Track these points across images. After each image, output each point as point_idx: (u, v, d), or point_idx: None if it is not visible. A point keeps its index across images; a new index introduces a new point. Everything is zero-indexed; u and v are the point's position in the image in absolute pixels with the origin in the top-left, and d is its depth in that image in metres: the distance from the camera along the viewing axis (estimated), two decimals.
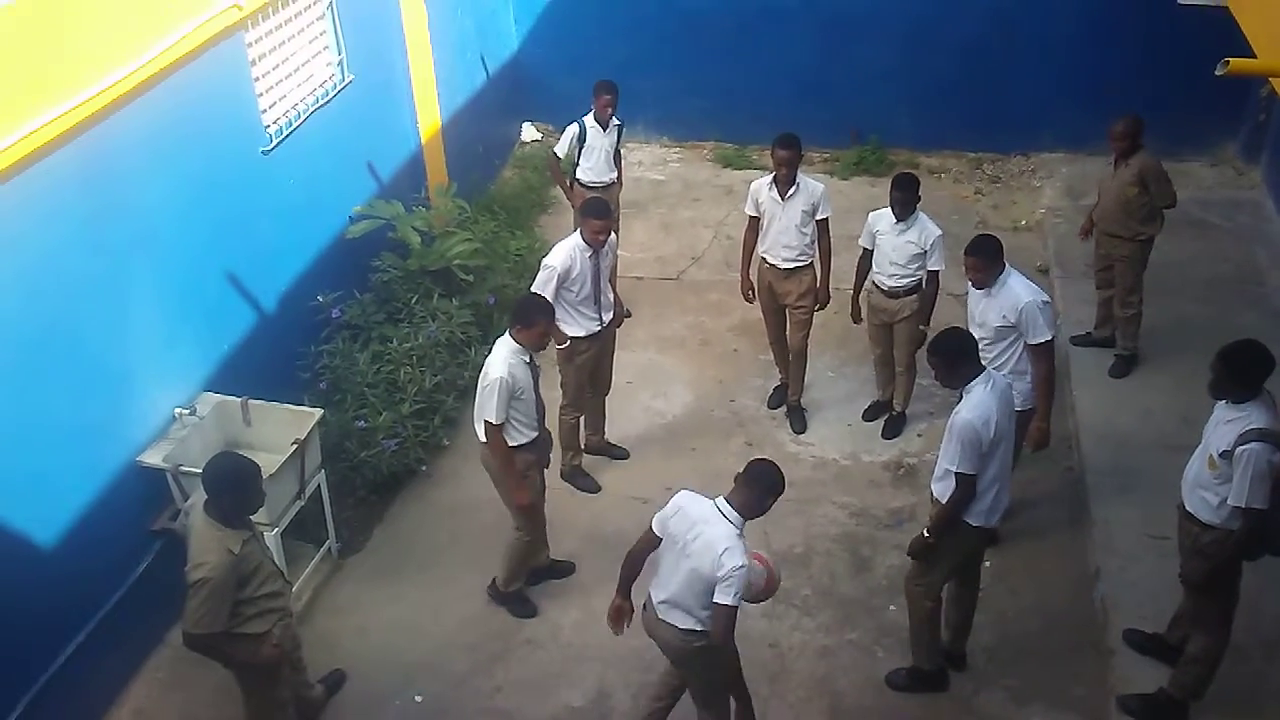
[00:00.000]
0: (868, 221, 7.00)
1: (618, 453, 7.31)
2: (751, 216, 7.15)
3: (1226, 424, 4.80)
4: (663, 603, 4.75)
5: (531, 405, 5.75)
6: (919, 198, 6.76)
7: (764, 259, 7.16)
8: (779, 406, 7.67)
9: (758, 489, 4.59)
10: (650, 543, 4.80)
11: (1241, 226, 9.27)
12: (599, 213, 6.37)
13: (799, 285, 7.10)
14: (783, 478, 4.68)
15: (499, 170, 10.61)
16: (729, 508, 4.57)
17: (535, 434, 5.84)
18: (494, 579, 6.25)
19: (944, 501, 5.16)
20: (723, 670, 4.96)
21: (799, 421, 7.55)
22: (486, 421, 5.60)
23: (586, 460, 7.17)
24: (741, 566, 4.44)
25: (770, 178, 6.96)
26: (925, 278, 6.87)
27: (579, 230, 6.44)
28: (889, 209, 6.79)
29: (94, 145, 5.14)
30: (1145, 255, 7.37)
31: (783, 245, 7.00)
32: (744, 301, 7.47)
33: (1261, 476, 4.63)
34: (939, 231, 6.78)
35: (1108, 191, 7.32)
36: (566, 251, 6.38)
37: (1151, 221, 7.27)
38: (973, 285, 5.98)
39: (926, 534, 5.26)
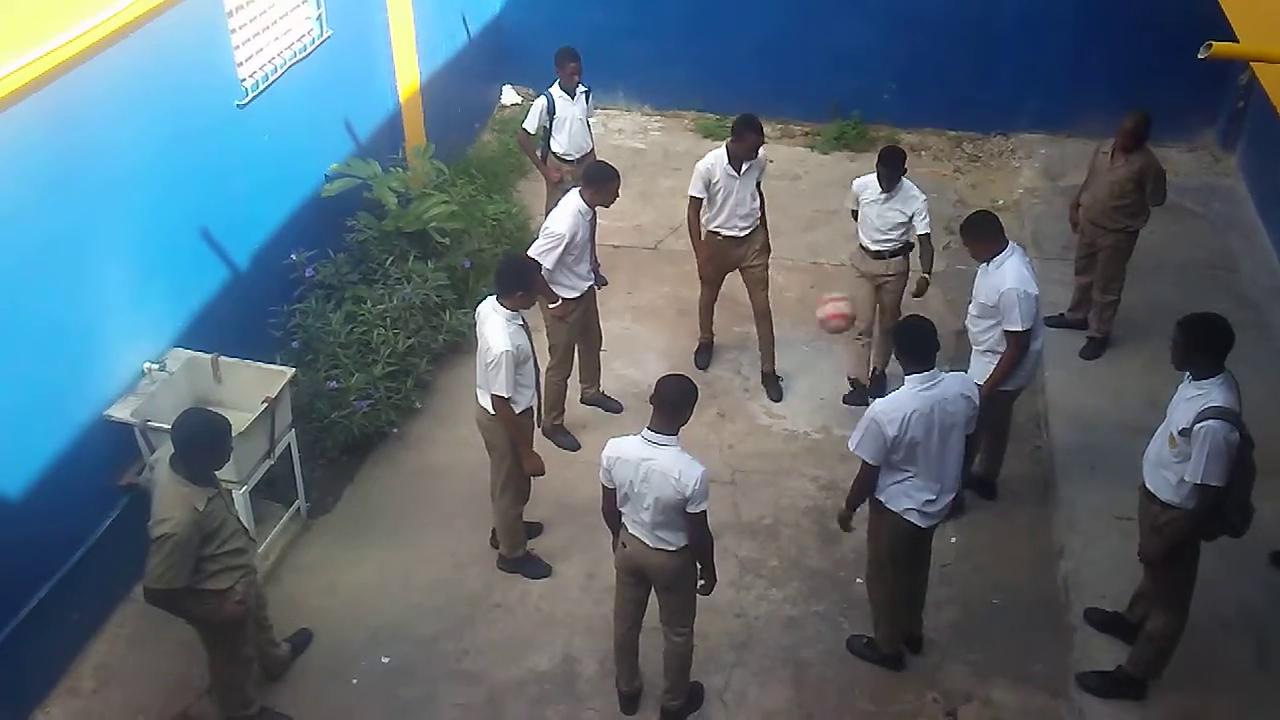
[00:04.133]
0: (854, 186, 7.09)
1: (612, 405, 7.40)
2: (696, 198, 7.15)
3: (1187, 401, 4.86)
4: (650, 534, 4.90)
5: (531, 369, 5.78)
6: (905, 170, 6.83)
7: (718, 233, 7.22)
8: (706, 367, 7.76)
9: (672, 406, 4.76)
10: (610, 496, 4.98)
11: (1216, 213, 9.33)
12: (610, 175, 6.51)
13: (753, 245, 7.27)
14: (689, 385, 4.84)
15: (478, 133, 10.52)
16: (656, 434, 4.74)
17: (533, 397, 5.89)
18: (499, 552, 6.29)
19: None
20: (694, 586, 5.15)
21: (774, 390, 7.59)
22: (496, 395, 5.59)
23: (571, 416, 7.26)
24: (699, 478, 4.68)
25: (722, 156, 6.99)
26: (918, 241, 6.93)
27: (578, 192, 6.51)
28: (875, 179, 6.86)
29: (63, 95, 5.02)
30: (1131, 246, 7.41)
31: (739, 216, 7.13)
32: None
33: (1218, 454, 4.68)
34: (923, 197, 6.88)
35: (1101, 184, 7.29)
36: (572, 217, 6.44)
37: (1139, 215, 7.30)
38: (973, 256, 6.10)
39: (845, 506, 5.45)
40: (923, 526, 5.24)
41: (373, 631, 5.92)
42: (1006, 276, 5.84)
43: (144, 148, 5.68)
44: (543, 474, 5.96)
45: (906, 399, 4.97)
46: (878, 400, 5.09)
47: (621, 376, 7.68)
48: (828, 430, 7.30)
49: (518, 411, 5.73)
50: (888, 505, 5.21)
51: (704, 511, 4.78)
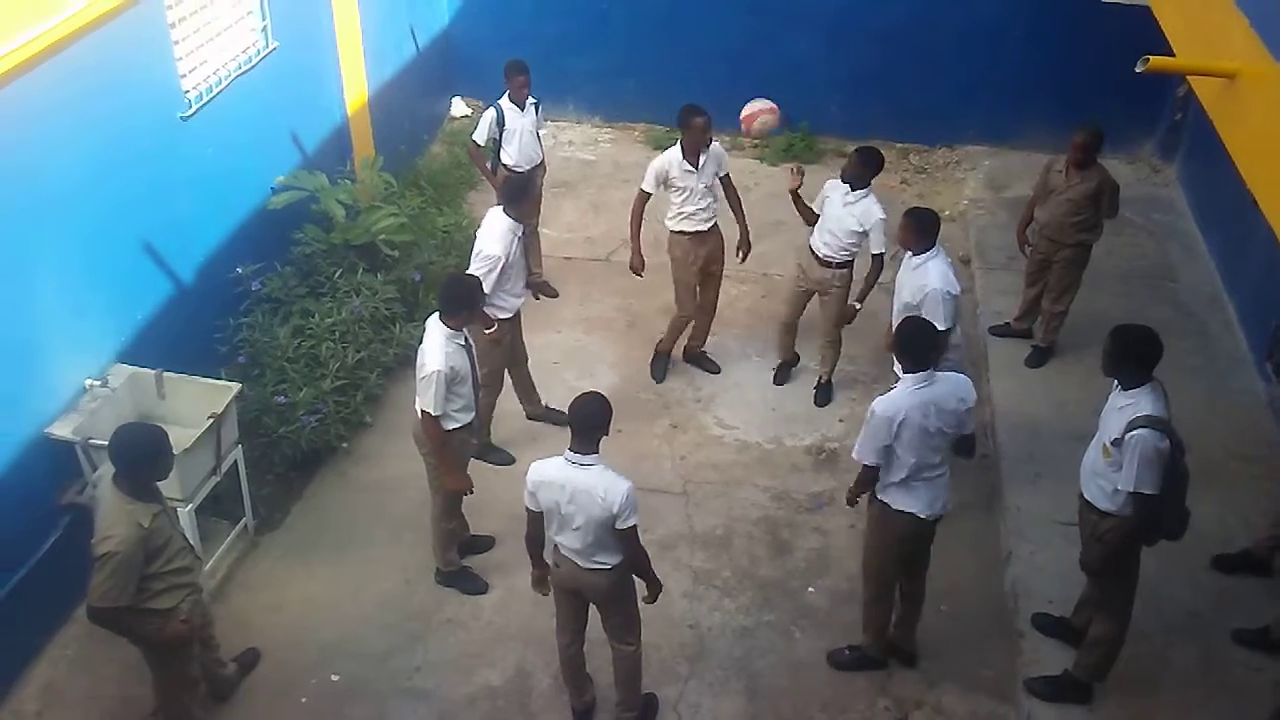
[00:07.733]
0: (825, 186, 7.08)
1: (560, 418, 7.28)
2: (645, 192, 7.27)
3: (1118, 411, 4.96)
4: (583, 553, 4.87)
5: (469, 388, 5.73)
6: (876, 173, 6.83)
7: (683, 232, 7.30)
8: (663, 380, 7.82)
9: (583, 426, 4.74)
10: (536, 521, 4.95)
11: (1156, 223, 9.51)
12: (523, 187, 6.59)
13: (715, 244, 7.40)
14: (599, 403, 4.80)
15: (427, 145, 10.47)
16: (578, 455, 4.72)
17: (472, 416, 5.83)
18: (437, 567, 6.24)
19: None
20: (634, 599, 5.16)
21: (710, 364, 7.86)
22: (424, 412, 5.56)
23: (520, 431, 7.24)
24: (625, 493, 4.66)
25: (677, 152, 7.09)
26: (871, 261, 6.92)
27: (502, 211, 6.42)
28: (845, 180, 6.87)
29: (2, 107, 4.94)
30: (1086, 258, 7.51)
31: (701, 210, 7.22)
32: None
33: (1149, 462, 4.77)
34: (882, 215, 6.82)
35: (1059, 201, 7.33)
36: (505, 238, 6.37)
37: (1095, 229, 7.41)
38: (899, 244, 6.20)
39: (847, 496, 5.52)
40: (922, 517, 5.26)
41: (322, 649, 5.86)
42: (931, 276, 6.02)
43: (85, 160, 5.59)
44: (468, 493, 5.92)
45: (904, 398, 5.02)
46: (877, 400, 5.08)
47: (574, 389, 7.51)
48: (779, 441, 7.34)
49: (449, 429, 5.68)
50: (893, 505, 5.24)
51: (634, 526, 4.75)
